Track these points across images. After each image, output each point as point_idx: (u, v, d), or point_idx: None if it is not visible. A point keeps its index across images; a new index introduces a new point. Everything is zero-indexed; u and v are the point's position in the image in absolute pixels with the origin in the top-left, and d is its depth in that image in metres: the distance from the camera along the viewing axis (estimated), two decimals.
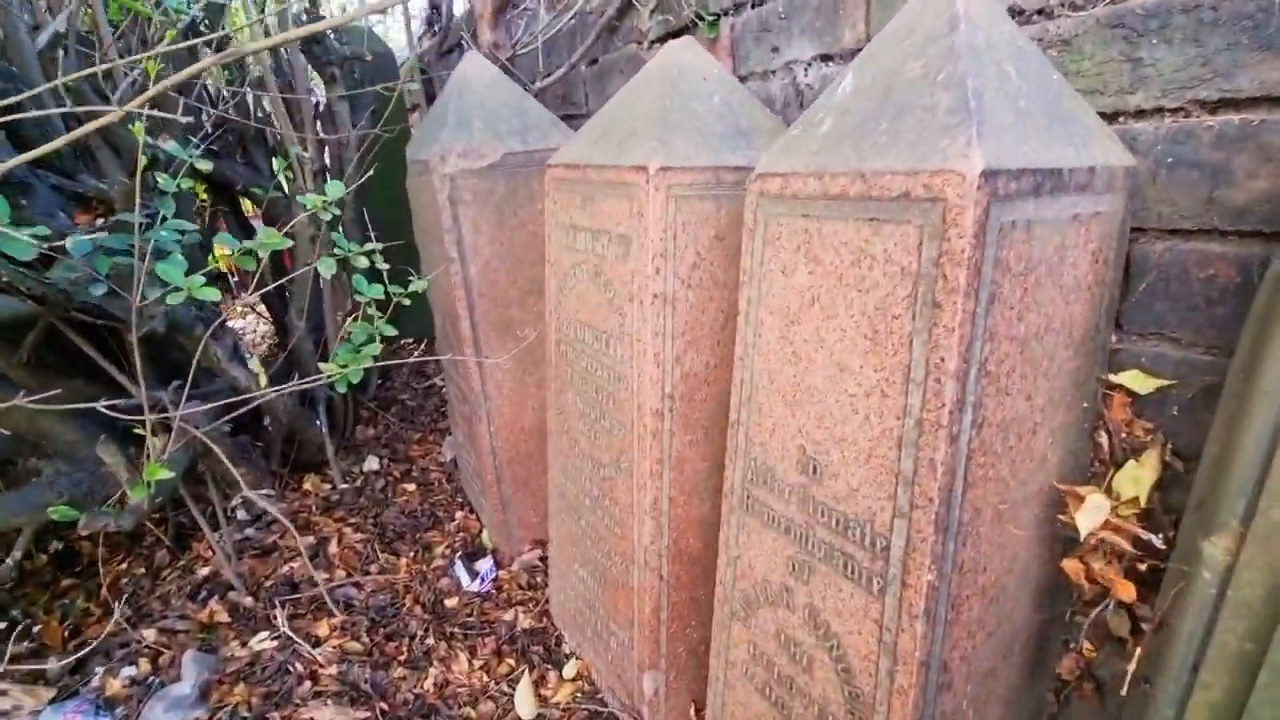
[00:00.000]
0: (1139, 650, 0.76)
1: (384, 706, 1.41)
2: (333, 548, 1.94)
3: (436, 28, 3.30)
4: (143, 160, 0.97)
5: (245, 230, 2.54)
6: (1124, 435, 0.85)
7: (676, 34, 1.50)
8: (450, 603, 1.73)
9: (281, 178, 1.75)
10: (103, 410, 1.08)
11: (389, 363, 1.26)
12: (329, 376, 1.18)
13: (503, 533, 1.87)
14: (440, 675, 1.50)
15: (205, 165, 1.23)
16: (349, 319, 1.29)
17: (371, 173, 1.81)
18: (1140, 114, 0.80)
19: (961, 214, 0.63)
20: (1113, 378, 0.84)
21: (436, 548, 1.96)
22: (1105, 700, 0.98)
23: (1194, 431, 0.81)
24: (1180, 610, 0.69)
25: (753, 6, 1.32)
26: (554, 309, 1.36)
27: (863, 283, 0.74)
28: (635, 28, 1.70)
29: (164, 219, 1.09)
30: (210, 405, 1.38)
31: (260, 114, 2.39)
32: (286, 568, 1.87)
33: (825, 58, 1.19)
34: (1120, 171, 0.76)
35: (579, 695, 1.44)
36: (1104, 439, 0.86)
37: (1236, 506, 0.62)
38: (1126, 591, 0.78)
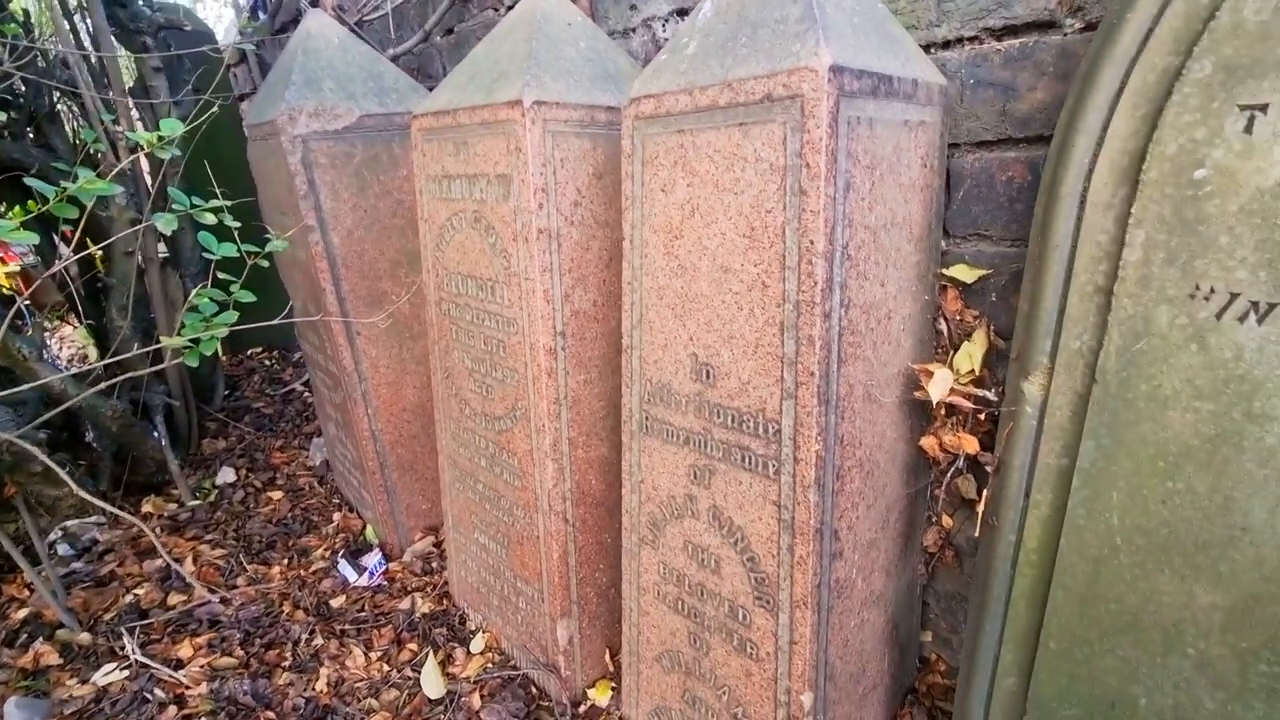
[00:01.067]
0: (985, 494, 0.89)
1: (271, 715, 1.28)
2: (188, 567, 1.72)
3: (259, 13, 3.04)
4: None
5: (42, 228, 2.17)
6: (958, 321, 0.99)
7: None
8: (336, 602, 1.60)
9: (100, 147, 1.52)
10: None
11: (249, 325, 1.14)
12: (182, 346, 1.05)
13: (389, 524, 1.76)
14: (334, 673, 1.38)
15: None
16: (193, 292, 1.16)
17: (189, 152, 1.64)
18: (946, 44, 0.94)
19: (817, 105, 0.71)
20: (946, 272, 0.98)
21: (314, 551, 1.81)
22: (963, 564, 1.13)
23: (1008, 313, 0.97)
24: (1012, 446, 0.82)
25: None
26: (431, 266, 1.31)
27: (737, 184, 0.80)
28: None
29: None
30: (11, 393, 1.17)
31: (55, 93, 2.06)
32: (130, 596, 1.63)
33: (681, 12, 1.27)
34: (936, 89, 0.89)
35: (489, 666, 1.40)
36: (943, 326, 0.99)
37: (1045, 345, 0.76)
38: (971, 445, 0.91)
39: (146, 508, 1.98)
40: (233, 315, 1.16)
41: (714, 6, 0.86)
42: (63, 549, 1.79)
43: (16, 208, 0.85)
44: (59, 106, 2.10)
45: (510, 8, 1.65)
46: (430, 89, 1.89)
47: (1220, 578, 0.68)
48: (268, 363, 3.01)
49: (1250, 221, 0.59)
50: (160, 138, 0.97)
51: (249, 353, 3.12)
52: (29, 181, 0.89)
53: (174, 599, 1.62)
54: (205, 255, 1.09)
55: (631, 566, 1.14)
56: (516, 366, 1.16)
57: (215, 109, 1.69)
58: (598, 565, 1.28)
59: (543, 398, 1.13)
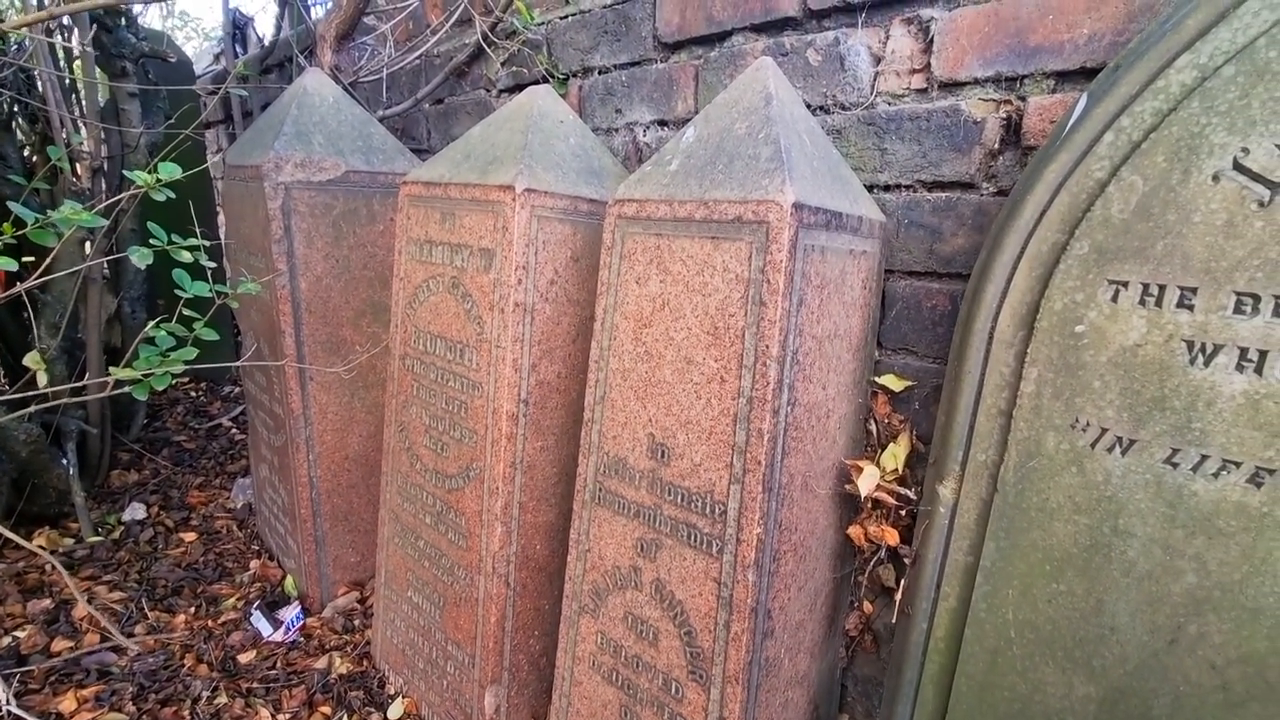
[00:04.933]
0: (902, 584, 0.98)
1: None
2: (79, 610, 1.60)
3: (239, 48, 3.09)
4: None
5: None
6: (886, 424, 1.11)
7: (524, 87, 1.64)
8: (245, 657, 1.52)
9: (63, 165, 1.50)
10: None
11: (211, 365, 1.14)
12: (134, 378, 1.03)
13: (313, 575, 1.70)
14: None
15: None
16: (152, 324, 1.15)
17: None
18: (887, 188, 1.10)
19: (780, 233, 0.83)
20: (877, 380, 1.11)
21: (225, 600, 1.71)
22: (880, 649, 1.21)
23: (928, 421, 1.10)
24: (926, 542, 0.92)
25: (599, 73, 1.52)
26: (401, 322, 1.35)
27: (706, 288, 0.91)
28: (484, 75, 1.81)
29: None
30: None
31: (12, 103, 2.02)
32: (9, 639, 1.49)
33: (661, 122, 1.41)
34: (877, 224, 1.04)
35: None
36: (873, 427, 1.11)
37: (957, 455, 0.87)
38: (892, 537, 1.01)
39: (39, 541, 1.83)
40: (192, 351, 1.16)
41: (696, 134, 0.99)
42: None
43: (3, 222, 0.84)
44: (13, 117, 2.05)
45: (502, 91, 1.77)
46: (415, 150, 1.98)
47: (1094, 671, 0.78)
48: (194, 394, 2.88)
49: (1116, 371, 0.73)
50: (158, 180, 0.99)
51: (174, 382, 2.97)
52: (13, 207, 0.89)
53: (59, 644, 1.49)
54: (178, 292, 1.09)
55: (569, 635, 1.16)
56: (476, 428, 1.20)
57: (189, 142, 1.70)
58: (533, 632, 1.29)
59: (500, 460, 1.16)
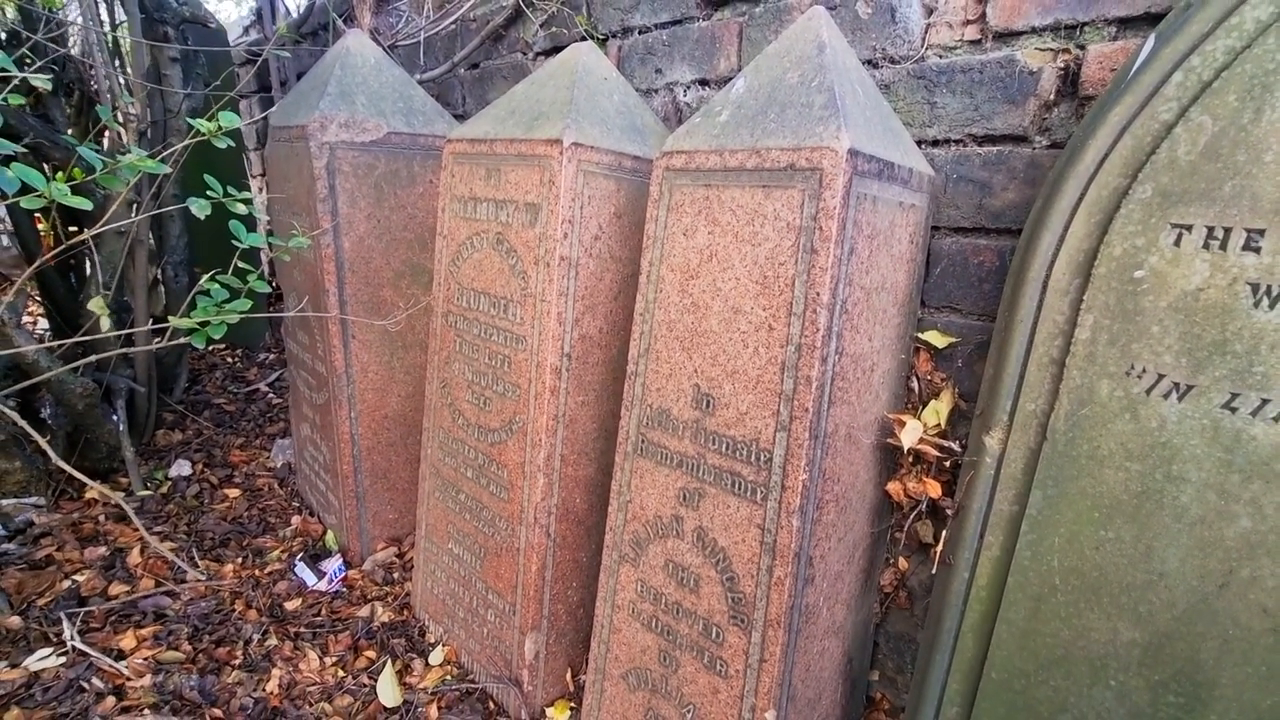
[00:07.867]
0: (943, 535, 0.99)
1: (217, 713, 1.25)
2: (133, 557, 1.67)
3: (265, 21, 3.11)
4: None
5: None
6: (928, 381, 1.11)
7: (561, 50, 1.63)
8: (292, 605, 1.57)
9: (114, 126, 1.54)
10: None
11: (260, 315, 1.17)
12: (191, 326, 1.07)
13: (354, 530, 1.75)
14: (286, 676, 1.36)
15: (43, 83, 1.06)
16: (206, 278, 1.19)
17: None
18: (936, 142, 1.09)
19: (834, 180, 0.83)
20: (921, 336, 1.11)
21: (270, 552, 1.77)
22: (914, 605, 1.22)
23: (971, 380, 1.10)
24: (970, 493, 0.92)
25: (639, 33, 1.52)
26: (444, 279, 1.38)
27: (755, 237, 0.91)
28: (521, 39, 1.81)
29: None
30: None
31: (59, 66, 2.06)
32: (69, 582, 1.56)
33: (703, 82, 1.41)
34: (926, 178, 1.04)
35: (448, 678, 1.40)
36: (914, 384, 1.11)
37: (1006, 405, 0.88)
38: (935, 489, 1.02)
39: (90, 493, 1.90)
40: (247, 303, 1.19)
41: (746, 84, 0.99)
42: None
43: (59, 173, 0.87)
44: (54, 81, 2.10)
45: (539, 54, 1.77)
46: (452, 115, 1.99)
47: (1140, 617, 0.79)
48: (230, 360, 2.95)
49: (1176, 317, 0.73)
50: (220, 127, 1.02)
51: (211, 348, 3.05)
52: (82, 151, 0.92)
53: (116, 589, 1.56)
54: (234, 242, 1.12)
55: (608, 583, 1.18)
56: (519, 382, 1.22)
57: (230, 106, 1.73)
58: (571, 583, 1.32)
59: (543, 413, 1.19)
